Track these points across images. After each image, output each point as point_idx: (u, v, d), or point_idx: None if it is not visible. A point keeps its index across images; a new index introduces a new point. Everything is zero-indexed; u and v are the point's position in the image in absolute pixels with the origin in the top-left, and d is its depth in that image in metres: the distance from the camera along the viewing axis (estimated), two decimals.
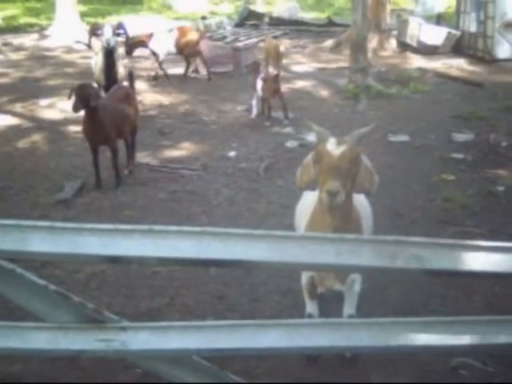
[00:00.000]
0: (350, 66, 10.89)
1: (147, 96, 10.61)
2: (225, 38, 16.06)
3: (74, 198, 6.08)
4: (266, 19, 18.93)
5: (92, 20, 19.30)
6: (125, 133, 6.55)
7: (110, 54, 8.20)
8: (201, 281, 4.39)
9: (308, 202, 3.31)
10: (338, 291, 3.29)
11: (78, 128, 7.27)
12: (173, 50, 11.76)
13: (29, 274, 1.99)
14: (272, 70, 9.53)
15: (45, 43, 17.52)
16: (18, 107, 9.86)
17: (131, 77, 7.08)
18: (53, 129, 8.64)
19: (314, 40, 16.41)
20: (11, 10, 25.88)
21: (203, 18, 20.29)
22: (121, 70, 8.44)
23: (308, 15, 22.52)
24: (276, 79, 8.69)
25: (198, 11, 23.84)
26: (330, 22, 18.17)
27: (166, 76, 11.92)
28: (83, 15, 21.70)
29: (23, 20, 23.53)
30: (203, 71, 12.10)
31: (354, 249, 1.71)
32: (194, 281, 4.41)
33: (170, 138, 8.21)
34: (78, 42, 15.87)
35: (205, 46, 12.57)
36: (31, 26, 21.84)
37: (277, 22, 18.60)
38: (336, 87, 10.85)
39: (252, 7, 21.56)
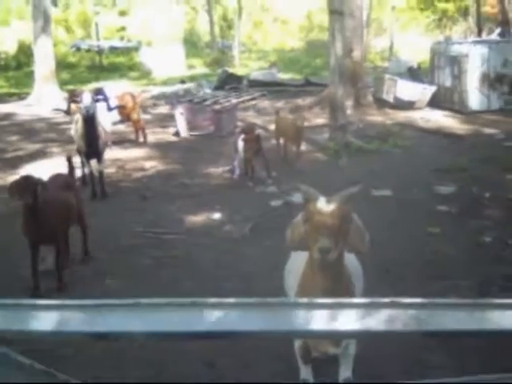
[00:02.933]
0: (329, 123, 11.04)
1: (128, 160, 10.62)
2: (205, 100, 16.21)
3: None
4: (245, 81, 19.20)
5: (71, 87, 19.48)
6: (70, 226, 5.92)
7: (90, 121, 8.10)
8: (190, 348, 4.27)
9: (297, 262, 3.26)
10: (332, 355, 3.20)
11: None
12: (117, 118, 11.77)
13: (14, 353, 1.91)
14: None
15: (22, 111, 17.47)
16: None
17: (70, 162, 6.39)
18: None
19: (291, 100, 16.64)
20: None
21: (182, 81, 20.63)
22: (102, 136, 8.41)
23: (285, 76, 22.94)
24: (257, 139, 8.75)
25: (176, 75, 24.21)
26: (307, 82, 18.47)
27: (143, 137, 12.03)
28: (63, 83, 21.93)
29: (3, 90, 23.67)
30: (140, 138, 12.16)
31: (350, 313, 1.65)
32: (182, 348, 4.28)
33: (152, 203, 8.16)
34: (56, 109, 15.81)
35: (185, 108, 12.69)
36: (10, 95, 21.95)
37: (255, 84, 18.87)
38: (317, 144, 10.95)
39: (230, 70, 21.92)
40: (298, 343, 3.23)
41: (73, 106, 8.42)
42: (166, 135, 12.88)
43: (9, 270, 5.92)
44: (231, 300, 1.66)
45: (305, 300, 1.77)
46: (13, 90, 23.13)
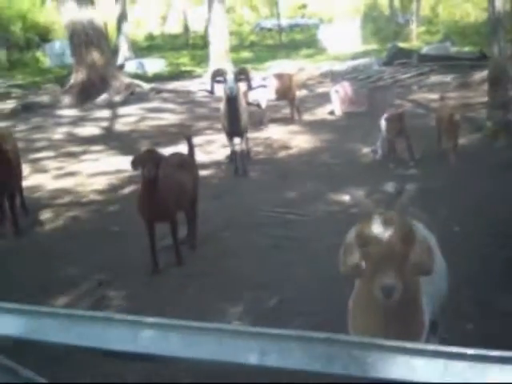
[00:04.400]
0: (488, 101, 10.16)
1: (277, 139, 10.72)
2: (369, 77, 15.83)
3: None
4: (415, 56, 18.36)
5: (248, 66, 20.01)
6: (183, 205, 5.89)
7: (233, 102, 8.30)
8: None
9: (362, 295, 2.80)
10: None
11: None
12: (272, 96, 11.81)
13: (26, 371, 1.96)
14: (398, 111, 8.86)
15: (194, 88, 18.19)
16: None
17: (189, 142, 6.38)
18: None
19: (461, 75, 15.58)
20: (180, 59, 27.83)
21: (353, 58, 20.30)
22: (244, 117, 8.53)
23: (461, 49, 21.53)
24: (400, 118, 8.33)
25: (350, 52, 23.90)
26: (482, 56, 17.13)
27: (298, 115, 12.03)
28: (243, 61, 22.67)
29: (187, 67, 25.01)
30: (295, 116, 12.04)
31: (283, 347, 1.48)
32: None
33: (289, 182, 8.16)
34: (201, 89, 16.09)
35: (341, 86, 12.48)
36: (190, 73, 23.13)
37: (425, 59, 17.94)
38: (474, 124, 10.15)
39: (400, 45, 21.06)
40: None
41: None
42: (322, 114, 12.78)
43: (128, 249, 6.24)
44: (150, 319, 1.57)
45: (230, 327, 1.62)
46: (194, 68, 24.37)
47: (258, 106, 11.66)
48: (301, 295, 4.83)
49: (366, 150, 9.44)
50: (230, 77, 8.16)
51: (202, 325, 1.53)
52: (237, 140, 8.64)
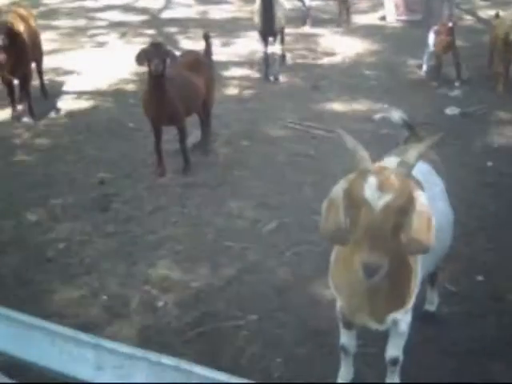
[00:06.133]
0: None
1: (319, 42, 10.03)
2: None
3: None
4: None
5: None
6: (194, 109, 5.43)
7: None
8: None
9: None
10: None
11: None
12: None
13: None
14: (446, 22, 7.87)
15: None
16: None
17: (207, 40, 5.84)
18: None
19: None
20: None
21: None
22: (279, 15, 7.87)
23: None
24: (450, 32, 7.54)
25: None
26: None
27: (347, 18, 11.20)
28: None
29: None
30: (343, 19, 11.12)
31: (123, 364, 1.16)
32: None
33: (322, 93, 7.62)
34: None
35: None
36: None
37: None
38: None
39: None
40: (338, 305, 2.65)
41: None
42: (373, 19, 11.87)
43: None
44: None
45: (64, 330, 1.29)
46: None
47: (302, 3, 10.88)
48: (304, 221, 4.46)
49: (412, 63, 8.71)
50: None
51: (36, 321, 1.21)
52: (270, 40, 8.01)
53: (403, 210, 2.07)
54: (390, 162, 2.84)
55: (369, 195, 2.04)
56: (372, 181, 2.06)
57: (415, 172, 2.72)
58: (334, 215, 2.19)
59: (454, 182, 5.06)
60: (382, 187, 2.04)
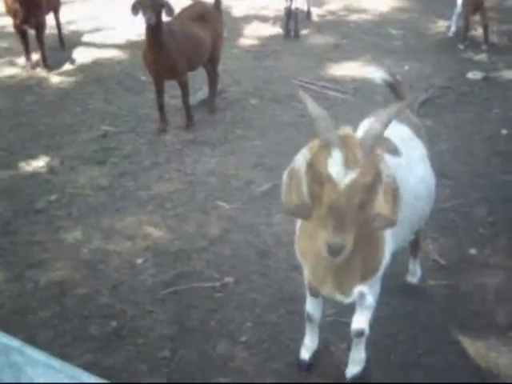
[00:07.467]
0: None
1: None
2: None
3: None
4: None
5: None
6: (197, 64, 5.22)
7: None
8: None
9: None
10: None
11: None
12: None
13: None
14: None
15: None
16: None
17: None
18: None
19: None
20: None
21: None
22: None
23: None
24: None
25: None
26: None
27: None
28: None
29: None
30: None
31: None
32: None
33: (342, 51, 7.37)
34: None
35: None
36: None
37: None
38: None
39: None
40: (304, 273, 2.53)
41: None
42: None
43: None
44: None
45: None
46: None
47: None
48: None
49: (441, 24, 8.36)
50: None
51: None
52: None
53: (370, 186, 1.93)
54: (365, 126, 2.72)
55: (333, 172, 1.88)
56: (336, 156, 1.89)
57: (393, 136, 2.59)
58: (296, 188, 2.02)
59: (463, 149, 4.96)
60: (346, 163, 1.88)
